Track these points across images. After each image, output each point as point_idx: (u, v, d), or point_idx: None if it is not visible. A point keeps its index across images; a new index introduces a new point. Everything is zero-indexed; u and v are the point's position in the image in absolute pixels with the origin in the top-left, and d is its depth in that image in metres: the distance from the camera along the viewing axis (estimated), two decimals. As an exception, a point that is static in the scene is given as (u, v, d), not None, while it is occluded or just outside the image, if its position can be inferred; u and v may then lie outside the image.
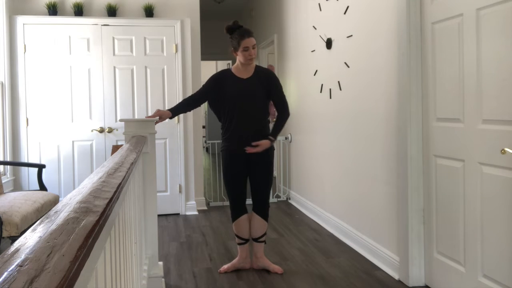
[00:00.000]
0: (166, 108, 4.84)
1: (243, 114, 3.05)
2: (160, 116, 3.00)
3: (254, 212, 3.17)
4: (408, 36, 2.81)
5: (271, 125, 3.20)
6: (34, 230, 0.72)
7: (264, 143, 3.04)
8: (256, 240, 3.18)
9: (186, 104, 3.20)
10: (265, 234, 3.19)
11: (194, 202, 5.01)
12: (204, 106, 12.28)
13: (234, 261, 3.22)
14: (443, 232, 2.66)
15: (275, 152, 5.86)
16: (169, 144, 4.91)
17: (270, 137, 3.09)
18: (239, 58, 3.06)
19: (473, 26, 2.33)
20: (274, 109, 3.26)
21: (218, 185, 5.84)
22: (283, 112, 3.17)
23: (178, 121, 4.89)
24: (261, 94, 3.08)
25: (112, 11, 4.85)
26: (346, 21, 3.75)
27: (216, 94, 3.13)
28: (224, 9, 8.21)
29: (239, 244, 3.20)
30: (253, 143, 3.02)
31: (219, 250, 3.67)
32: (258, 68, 3.15)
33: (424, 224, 2.84)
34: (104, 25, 4.73)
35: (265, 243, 3.24)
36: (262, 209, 3.16)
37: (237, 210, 3.17)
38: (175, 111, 3.13)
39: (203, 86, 3.20)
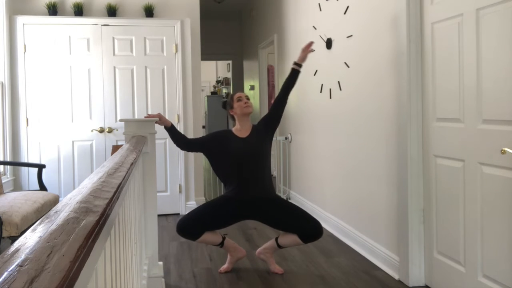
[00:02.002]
0: (166, 110, 4.86)
1: (244, 172, 3.05)
2: (160, 118, 3.03)
3: (297, 236, 3.00)
4: (408, 36, 2.81)
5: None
6: (34, 230, 0.72)
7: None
8: (278, 245, 3.12)
9: (182, 137, 3.18)
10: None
11: (194, 202, 5.01)
12: (204, 105, 12.29)
13: (229, 258, 3.22)
14: (443, 232, 2.66)
15: (275, 151, 5.87)
16: (169, 144, 4.90)
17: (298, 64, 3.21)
18: (237, 112, 3.13)
19: (473, 26, 2.33)
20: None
21: (218, 185, 5.84)
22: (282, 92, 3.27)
23: (178, 121, 4.89)
24: (262, 146, 3.10)
25: (112, 11, 4.85)
26: (346, 21, 3.75)
27: (216, 151, 3.12)
28: (224, 9, 8.21)
29: (220, 247, 3.18)
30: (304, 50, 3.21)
31: (219, 250, 3.67)
32: (253, 126, 3.20)
33: (424, 224, 2.84)
34: (104, 25, 4.73)
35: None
36: (310, 240, 2.99)
37: (189, 232, 3.01)
38: (173, 128, 3.12)
39: (202, 137, 3.24)
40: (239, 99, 3.15)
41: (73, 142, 4.71)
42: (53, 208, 0.88)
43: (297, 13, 5.07)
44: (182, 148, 3.23)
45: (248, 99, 3.18)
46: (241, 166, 3.05)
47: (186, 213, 3.10)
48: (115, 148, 3.99)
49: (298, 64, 3.21)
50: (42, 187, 4.08)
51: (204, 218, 3.03)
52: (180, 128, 4.90)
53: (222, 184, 3.24)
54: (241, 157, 3.05)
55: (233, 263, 3.21)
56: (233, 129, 3.20)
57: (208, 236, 3.05)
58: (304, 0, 4.78)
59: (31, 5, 4.77)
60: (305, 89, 4.87)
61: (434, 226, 2.74)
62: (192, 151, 3.32)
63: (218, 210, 3.06)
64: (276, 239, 3.12)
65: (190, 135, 5.00)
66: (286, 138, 5.54)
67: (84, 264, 0.66)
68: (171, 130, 3.12)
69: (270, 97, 6.96)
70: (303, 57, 3.23)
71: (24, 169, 4.59)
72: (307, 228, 2.97)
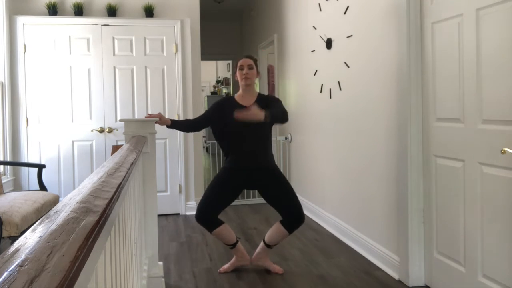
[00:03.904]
0: (166, 110, 4.86)
1: (245, 141, 3.03)
2: (160, 118, 3.02)
3: (281, 224, 3.04)
4: (408, 36, 2.81)
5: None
6: (34, 230, 0.72)
7: (256, 109, 2.68)
8: (267, 245, 3.14)
9: (187, 123, 3.19)
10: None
11: (194, 202, 5.01)
12: (204, 104, 12.28)
13: (232, 260, 3.22)
14: (443, 232, 2.66)
15: (275, 151, 5.87)
16: (169, 144, 4.91)
17: (266, 111, 2.73)
18: (238, 79, 3.10)
19: (473, 26, 2.33)
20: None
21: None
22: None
23: (178, 121, 4.89)
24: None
25: (112, 11, 4.85)
26: (346, 21, 3.75)
27: (218, 121, 3.10)
28: (224, 9, 8.21)
29: (230, 248, 3.18)
30: (248, 107, 2.84)
31: (219, 250, 3.67)
32: (260, 96, 3.15)
33: (424, 224, 2.84)
34: (104, 25, 4.73)
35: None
36: (293, 225, 3.01)
37: (206, 222, 3.02)
38: (174, 123, 3.12)
39: (206, 111, 3.20)
40: (240, 68, 3.05)
41: (73, 142, 4.71)
42: (53, 208, 0.88)
43: (297, 13, 5.07)
44: (193, 132, 3.23)
45: (251, 68, 3.04)
46: (242, 135, 3.02)
47: (199, 202, 3.09)
48: (115, 148, 3.99)
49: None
50: (42, 187, 4.08)
51: (214, 201, 3.03)
52: (180, 128, 4.90)
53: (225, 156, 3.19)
54: (242, 125, 2.99)
55: (234, 266, 3.21)
56: (236, 96, 3.15)
57: (225, 231, 3.06)
58: (304, 0, 4.78)
59: (31, 5, 4.77)
60: (305, 89, 4.87)
61: (434, 226, 2.75)
62: (202, 129, 3.32)
63: (223, 187, 3.05)
64: (263, 241, 3.15)
65: (190, 135, 5.00)
66: (286, 138, 5.54)
67: (84, 264, 0.66)
68: (174, 126, 3.13)
69: (270, 97, 6.95)
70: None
71: (24, 169, 4.59)
72: (294, 212, 3.00)
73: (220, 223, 3.05)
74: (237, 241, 3.15)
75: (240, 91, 3.13)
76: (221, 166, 3.18)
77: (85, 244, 0.68)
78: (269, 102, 3.10)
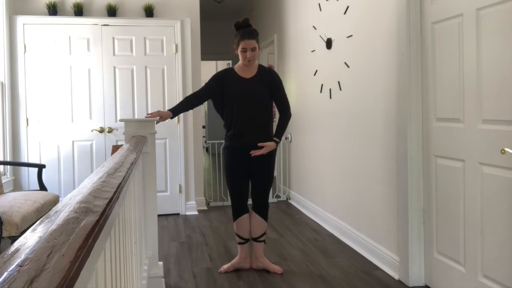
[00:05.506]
0: (166, 109, 4.86)
1: (245, 113, 3.04)
2: (161, 116, 3.01)
3: (254, 212, 3.17)
4: (408, 36, 2.81)
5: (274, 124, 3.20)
6: (34, 230, 0.72)
7: (269, 145, 3.03)
8: (255, 240, 3.18)
9: (187, 102, 3.19)
10: (264, 233, 3.19)
11: (194, 202, 5.01)
12: (204, 106, 12.28)
13: (234, 260, 3.23)
14: (443, 232, 2.66)
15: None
16: (169, 144, 4.91)
17: (275, 139, 3.07)
18: (238, 55, 3.08)
19: (473, 26, 2.33)
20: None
21: (218, 185, 5.84)
22: (285, 113, 3.16)
23: (178, 121, 4.89)
24: (264, 94, 3.07)
25: (112, 11, 4.85)
26: (346, 21, 3.75)
27: (219, 92, 3.12)
28: (224, 9, 8.21)
29: (239, 243, 3.20)
30: (259, 144, 3.01)
31: (219, 250, 3.67)
32: (261, 68, 3.15)
33: (424, 224, 2.84)
34: (104, 25, 4.73)
35: (265, 243, 3.24)
36: (261, 209, 3.15)
37: (238, 208, 3.15)
38: (176, 111, 3.12)
39: (206, 84, 3.20)
40: (243, 50, 3.02)
41: (73, 142, 4.71)
42: (53, 208, 0.88)
43: (297, 13, 5.07)
44: (195, 107, 3.27)
45: (254, 50, 3.01)
46: (242, 107, 3.03)
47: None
48: (115, 148, 3.98)
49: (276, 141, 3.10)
50: (42, 187, 4.08)
51: (240, 184, 3.12)
52: (180, 127, 4.91)
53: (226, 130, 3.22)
54: (242, 97, 3.02)
55: (235, 266, 3.21)
56: (236, 67, 3.15)
57: (247, 222, 3.16)
58: (304, 0, 4.78)
59: (31, 5, 4.77)
60: (305, 89, 4.87)
61: (434, 226, 2.74)
62: (204, 102, 3.35)
63: (237, 169, 3.10)
64: (251, 238, 3.21)
65: (190, 135, 5.00)
66: (286, 138, 5.54)
67: (84, 264, 0.66)
68: (177, 113, 3.15)
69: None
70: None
71: (24, 169, 4.59)
72: (260, 200, 3.14)
73: (247, 210, 3.17)
74: (248, 239, 3.19)
75: (241, 63, 3.11)
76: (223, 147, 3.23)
77: (85, 244, 0.68)
78: (272, 80, 3.11)
